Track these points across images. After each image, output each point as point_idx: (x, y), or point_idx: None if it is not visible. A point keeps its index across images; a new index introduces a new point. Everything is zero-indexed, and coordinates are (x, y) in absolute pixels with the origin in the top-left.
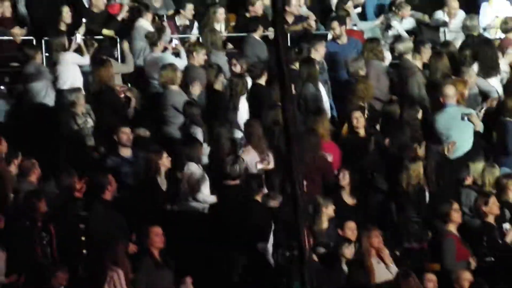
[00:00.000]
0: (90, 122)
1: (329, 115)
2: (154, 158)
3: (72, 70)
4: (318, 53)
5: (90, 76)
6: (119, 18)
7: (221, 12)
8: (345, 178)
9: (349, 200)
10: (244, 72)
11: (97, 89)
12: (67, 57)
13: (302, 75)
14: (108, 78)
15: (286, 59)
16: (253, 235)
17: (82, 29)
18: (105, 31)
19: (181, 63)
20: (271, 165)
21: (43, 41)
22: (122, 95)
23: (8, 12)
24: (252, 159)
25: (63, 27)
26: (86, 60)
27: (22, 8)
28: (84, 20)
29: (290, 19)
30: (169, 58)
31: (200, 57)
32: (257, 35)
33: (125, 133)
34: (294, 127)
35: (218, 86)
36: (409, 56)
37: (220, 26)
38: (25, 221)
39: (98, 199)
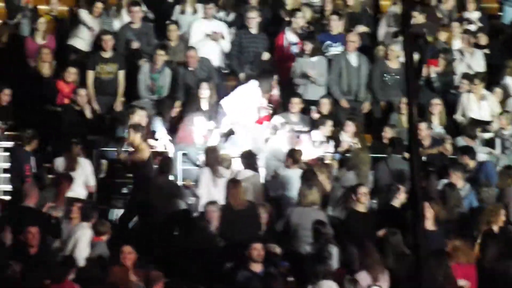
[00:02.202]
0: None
1: None
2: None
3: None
4: (458, 178)
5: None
6: None
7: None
8: None
9: None
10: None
11: (245, 206)
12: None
13: (448, 199)
14: (245, 195)
15: (420, 182)
16: None
17: None
18: None
19: None
20: None
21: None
22: None
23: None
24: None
25: None
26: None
27: None
28: None
29: (426, 142)
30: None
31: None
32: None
33: (257, 249)
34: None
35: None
36: None
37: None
38: None
39: None
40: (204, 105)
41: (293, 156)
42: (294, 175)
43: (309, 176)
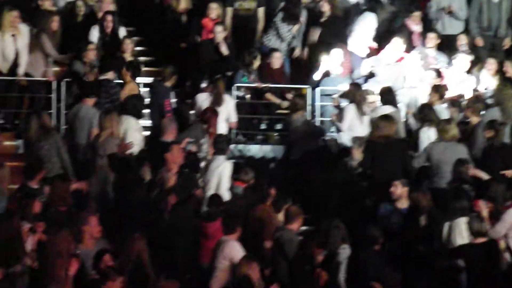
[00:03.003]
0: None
1: None
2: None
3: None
4: None
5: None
6: None
7: None
8: None
9: None
10: None
11: (384, 141)
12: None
13: None
14: (394, 132)
15: None
16: None
17: None
18: None
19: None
20: None
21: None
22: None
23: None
24: None
25: None
26: None
27: None
28: None
29: None
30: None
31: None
32: None
33: (397, 187)
34: None
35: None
36: None
37: None
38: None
39: (370, 250)
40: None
41: (438, 91)
42: (439, 111)
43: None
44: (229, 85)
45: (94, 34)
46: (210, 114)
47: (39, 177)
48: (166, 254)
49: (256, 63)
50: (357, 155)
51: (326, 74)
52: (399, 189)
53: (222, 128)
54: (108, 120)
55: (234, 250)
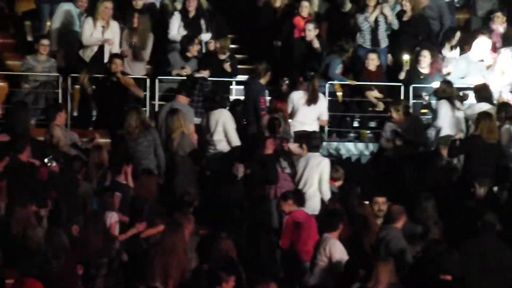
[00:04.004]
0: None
1: None
2: None
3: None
4: None
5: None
6: None
7: None
8: None
9: None
10: None
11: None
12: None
13: None
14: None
15: None
16: None
17: None
18: None
19: None
20: None
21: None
22: None
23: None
24: None
25: None
26: None
27: None
28: None
29: None
30: None
31: None
32: None
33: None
34: None
35: None
36: None
37: None
38: None
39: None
40: None
41: None
42: None
43: None
44: (325, 75)
45: (176, 18)
46: (279, 104)
47: (126, 171)
48: (252, 252)
49: (349, 53)
50: (446, 154)
51: (412, 74)
52: (477, 190)
53: (314, 126)
54: (176, 120)
55: (335, 248)
